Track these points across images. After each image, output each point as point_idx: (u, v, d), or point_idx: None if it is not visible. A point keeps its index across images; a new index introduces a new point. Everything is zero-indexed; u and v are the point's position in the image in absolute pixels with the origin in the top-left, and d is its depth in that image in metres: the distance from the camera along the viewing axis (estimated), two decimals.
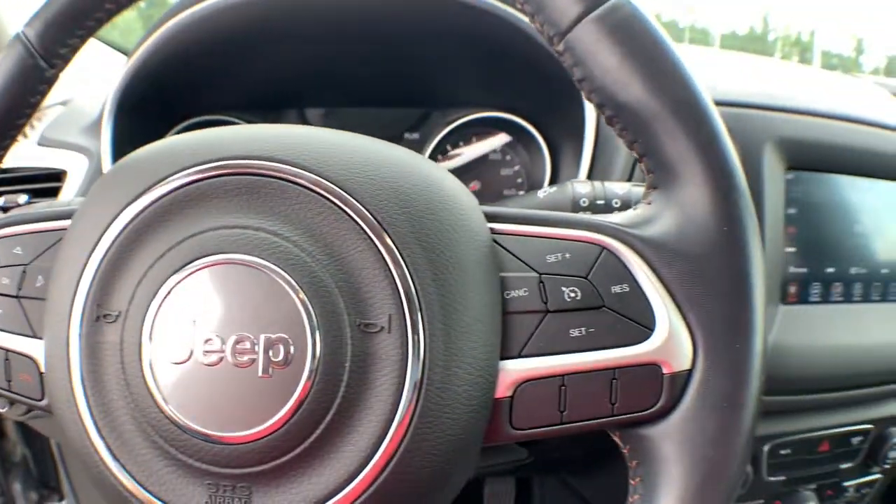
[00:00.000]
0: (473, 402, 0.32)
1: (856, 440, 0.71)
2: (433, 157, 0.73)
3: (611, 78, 0.34)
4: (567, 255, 0.34)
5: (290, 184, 0.32)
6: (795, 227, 0.63)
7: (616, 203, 0.51)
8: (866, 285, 0.68)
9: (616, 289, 0.34)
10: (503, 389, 0.33)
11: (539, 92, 0.64)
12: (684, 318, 0.34)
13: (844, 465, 0.71)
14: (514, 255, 0.35)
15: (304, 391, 0.30)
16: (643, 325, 0.34)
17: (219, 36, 0.67)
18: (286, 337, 0.30)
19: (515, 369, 0.33)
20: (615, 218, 0.36)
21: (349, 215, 0.32)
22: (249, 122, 0.76)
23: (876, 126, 0.67)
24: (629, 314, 0.34)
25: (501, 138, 0.72)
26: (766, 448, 0.66)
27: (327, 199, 0.32)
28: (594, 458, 0.73)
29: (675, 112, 0.34)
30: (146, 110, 0.71)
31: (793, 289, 0.64)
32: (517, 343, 0.34)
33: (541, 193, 0.53)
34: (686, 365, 0.34)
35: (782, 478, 0.68)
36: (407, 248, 0.31)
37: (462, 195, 0.36)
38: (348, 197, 0.32)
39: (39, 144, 0.77)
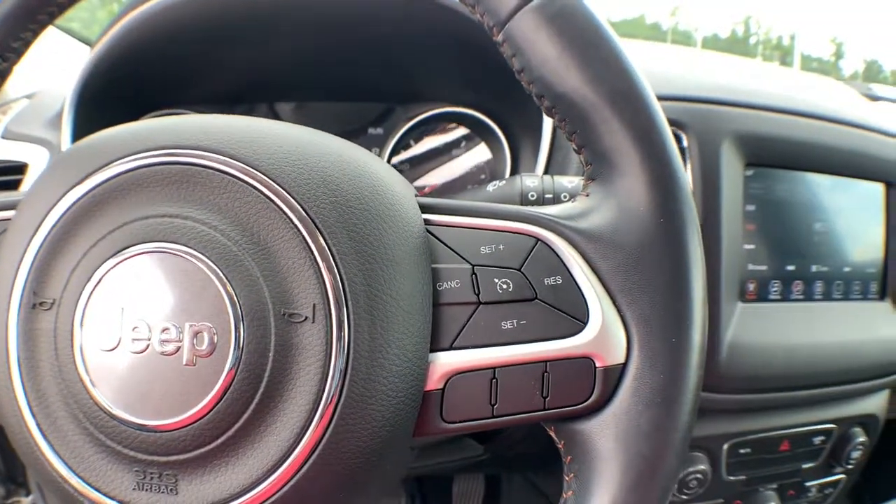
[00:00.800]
0: (401, 395, 0.31)
1: (817, 440, 0.70)
2: (395, 151, 0.73)
3: (549, 68, 0.34)
4: (501, 247, 0.34)
5: (219, 173, 0.32)
6: (755, 223, 0.63)
7: (565, 197, 0.50)
8: (828, 284, 0.67)
9: (549, 281, 0.34)
10: (434, 382, 0.33)
11: (499, 87, 0.64)
12: (619, 311, 0.34)
13: (806, 465, 0.71)
14: (447, 246, 0.34)
15: (227, 380, 0.29)
16: (576, 318, 0.33)
17: (181, 29, 0.67)
18: (210, 326, 0.30)
19: (446, 362, 0.33)
20: (551, 210, 0.36)
21: (276, 204, 0.31)
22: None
23: (839, 123, 0.67)
24: (562, 307, 0.33)
25: (464, 134, 0.72)
26: (725, 447, 0.66)
27: (254, 187, 0.31)
28: (554, 456, 0.72)
29: (612, 102, 0.33)
30: (108, 102, 0.70)
31: (752, 286, 0.63)
32: (448, 335, 0.33)
33: (490, 187, 0.53)
34: (620, 359, 0.33)
35: (742, 477, 0.68)
36: (334, 238, 0.31)
37: (396, 185, 0.35)
38: (275, 185, 0.31)
39: (3, 137, 0.76)
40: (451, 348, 0.33)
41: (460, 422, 0.33)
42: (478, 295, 0.33)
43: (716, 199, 0.59)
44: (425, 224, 0.34)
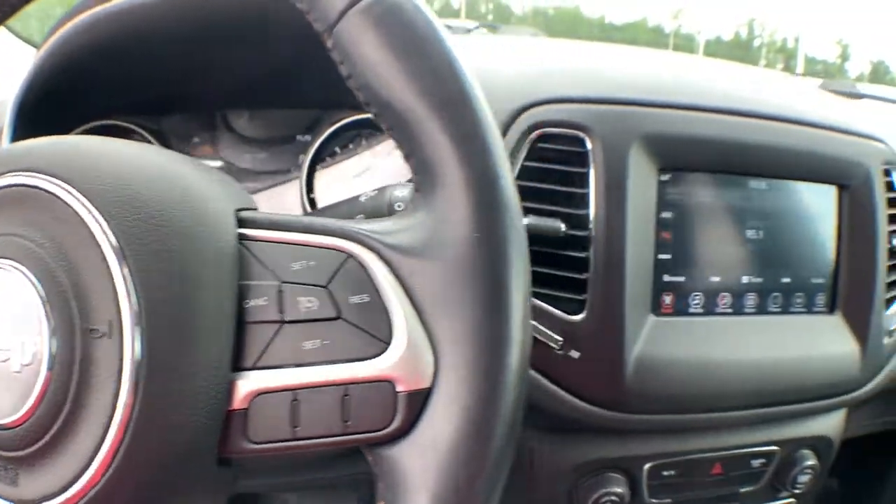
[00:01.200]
0: (200, 413, 0.31)
1: (757, 463, 0.65)
2: (319, 157, 0.72)
3: (372, 74, 0.33)
4: (312, 263, 0.33)
5: (46, 193, 0.33)
6: (671, 232, 0.59)
7: None
8: (762, 296, 0.62)
9: (355, 299, 0.33)
10: (238, 401, 0.32)
11: None
12: (428, 332, 0.33)
13: (746, 489, 0.66)
14: (260, 262, 0.34)
15: (43, 389, 0.31)
16: (380, 339, 0.32)
17: (112, 39, 0.68)
18: (33, 338, 0.32)
19: (250, 381, 0.32)
20: (369, 224, 0.35)
21: (84, 221, 0.32)
22: (146, 125, 0.76)
23: (777, 120, 0.61)
24: (366, 327, 0.33)
25: (387, 141, 0.70)
26: (645, 467, 0.62)
27: (69, 205, 0.33)
28: None
29: (434, 109, 0.32)
30: (51, 113, 0.72)
31: (668, 299, 0.59)
32: (253, 354, 0.33)
33: (362, 197, 0.52)
34: (425, 383, 0.32)
35: (667, 500, 0.64)
36: (135, 254, 0.31)
37: (212, 199, 0.35)
38: (87, 203, 0.32)
39: None
40: (254, 368, 0.33)
41: (265, 443, 0.33)
42: (282, 313, 0.33)
43: (620, 207, 0.55)
44: (241, 239, 0.34)
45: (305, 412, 0.32)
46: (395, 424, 0.32)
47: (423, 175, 0.33)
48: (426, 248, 0.33)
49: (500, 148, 0.34)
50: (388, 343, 0.32)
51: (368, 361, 0.32)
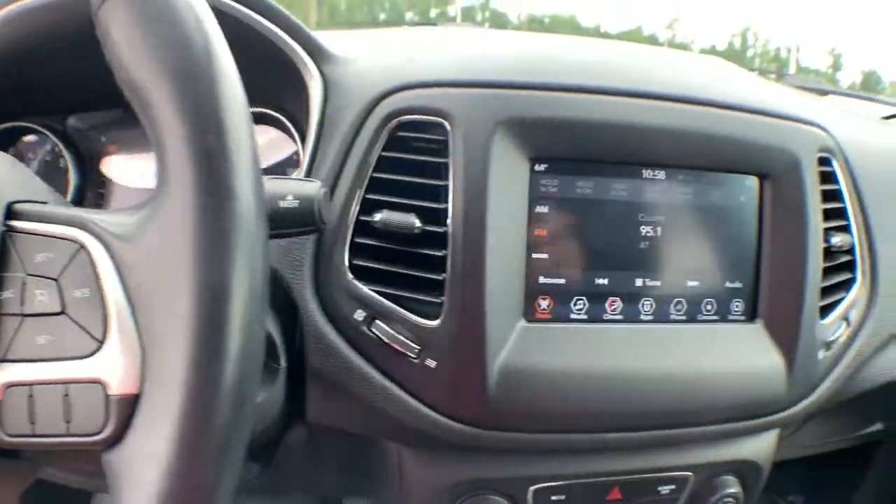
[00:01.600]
0: None
1: (665, 489, 0.58)
2: None
3: (124, 57, 0.32)
4: (51, 255, 0.33)
5: None
6: (548, 229, 0.53)
7: (286, 201, 0.45)
8: (662, 301, 0.55)
9: (77, 293, 0.33)
10: None
11: (278, 84, 0.58)
12: (139, 332, 0.32)
13: None
14: (18, 253, 0.34)
15: None
16: (94, 338, 0.32)
17: (35, 37, 0.67)
18: None
19: (3, 374, 0.32)
20: (108, 214, 0.34)
21: None
22: (52, 126, 0.75)
23: (668, 100, 0.54)
24: (84, 323, 0.32)
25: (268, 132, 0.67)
26: (530, 490, 0.56)
27: None
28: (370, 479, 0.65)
29: (170, 90, 0.31)
30: None
31: (544, 303, 0.53)
32: (3, 346, 0.33)
33: None
34: (135, 388, 0.31)
35: None
36: None
37: None
38: None
39: None
40: (4, 360, 0.33)
41: (15, 436, 0.33)
42: (22, 306, 0.33)
43: (482, 200, 0.50)
44: (9, 230, 0.34)
45: (39, 409, 0.32)
46: (108, 430, 0.32)
47: (160, 161, 0.32)
48: (148, 241, 0.32)
49: (237, 129, 0.32)
50: (102, 342, 0.32)
51: (83, 360, 0.32)
